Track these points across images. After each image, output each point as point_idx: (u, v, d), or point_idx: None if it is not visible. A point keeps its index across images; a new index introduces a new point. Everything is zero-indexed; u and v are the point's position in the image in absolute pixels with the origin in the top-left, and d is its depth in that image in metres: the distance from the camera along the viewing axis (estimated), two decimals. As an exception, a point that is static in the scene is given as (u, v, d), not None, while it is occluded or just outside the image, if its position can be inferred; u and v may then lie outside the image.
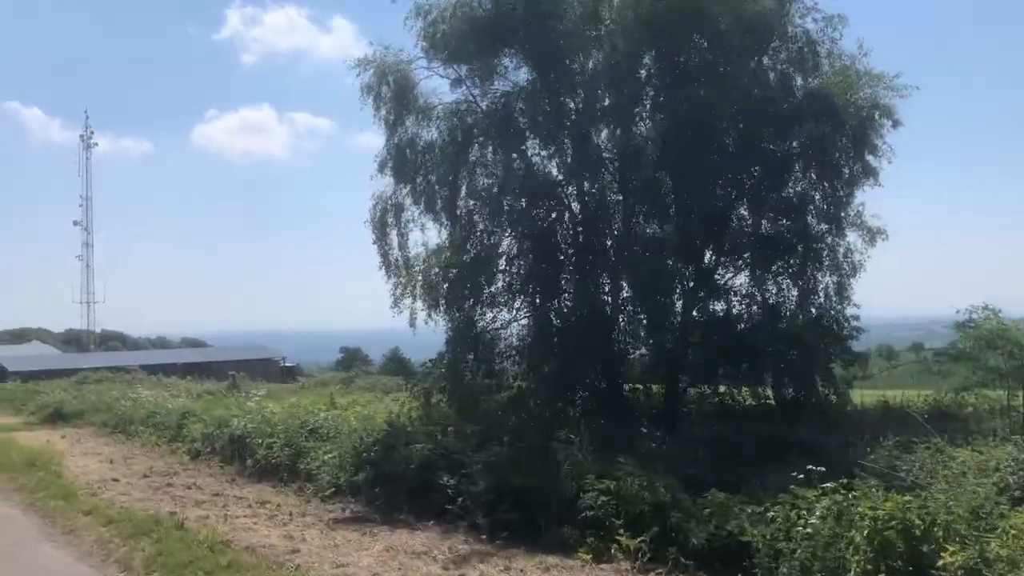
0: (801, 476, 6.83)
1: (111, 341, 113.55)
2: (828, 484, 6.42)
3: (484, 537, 8.20)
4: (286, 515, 9.78)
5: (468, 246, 13.31)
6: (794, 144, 12.02)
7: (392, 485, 9.93)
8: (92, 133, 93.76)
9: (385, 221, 13.50)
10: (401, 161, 13.29)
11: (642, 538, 6.93)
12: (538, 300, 12.61)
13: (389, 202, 13.58)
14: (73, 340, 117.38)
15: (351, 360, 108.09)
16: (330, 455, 11.30)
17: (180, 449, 15.32)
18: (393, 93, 13.21)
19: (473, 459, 9.46)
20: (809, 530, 6.06)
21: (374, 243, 13.69)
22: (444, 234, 13.53)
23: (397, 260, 13.65)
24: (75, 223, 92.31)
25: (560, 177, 13.26)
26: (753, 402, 12.66)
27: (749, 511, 6.83)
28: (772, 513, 6.62)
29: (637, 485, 7.49)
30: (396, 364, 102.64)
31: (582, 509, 7.56)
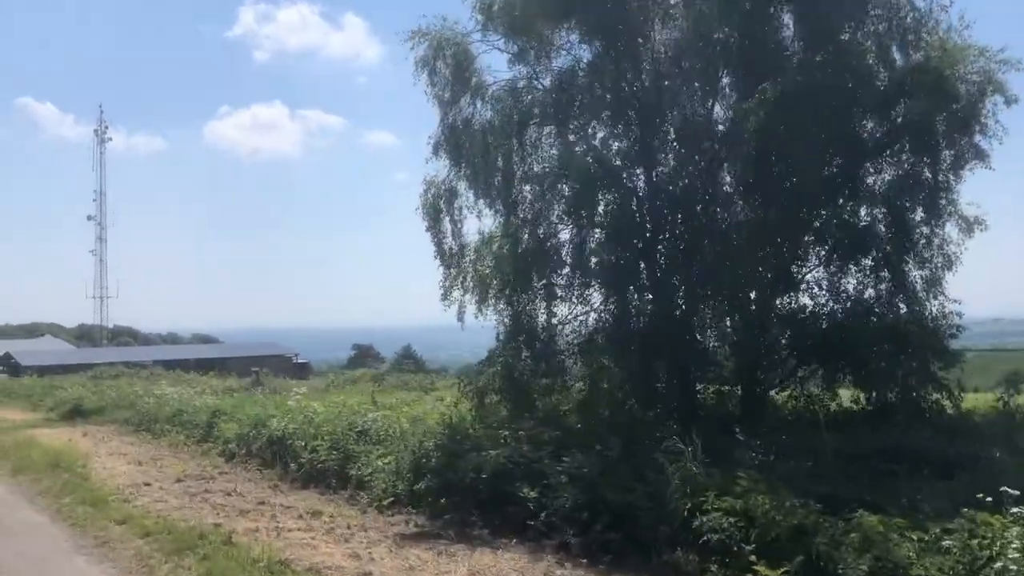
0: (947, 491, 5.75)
1: (122, 336, 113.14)
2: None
3: (583, 560, 7.14)
4: (344, 528, 8.74)
5: (526, 234, 12.28)
6: (892, 124, 10.93)
7: (460, 496, 8.89)
8: (106, 128, 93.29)
9: (438, 207, 12.47)
10: (455, 143, 12.27)
11: (785, 569, 5.86)
12: (611, 293, 11.55)
13: (442, 187, 12.54)
14: (85, 335, 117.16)
15: (363, 357, 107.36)
16: (385, 460, 10.27)
17: (212, 451, 14.32)
18: (450, 69, 12.19)
19: (554, 468, 8.41)
20: (1013, 566, 4.99)
21: (427, 230, 12.67)
22: (499, 221, 12.49)
23: (451, 249, 12.61)
24: (89, 218, 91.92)
25: (626, 161, 12.21)
26: (847, 406, 11.56)
27: (915, 539, 5.76)
28: (947, 542, 5.56)
29: (768, 504, 6.42)
30: (408, 361, 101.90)
31: (703, 531, 6.49)
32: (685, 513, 6.85)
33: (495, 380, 12.42)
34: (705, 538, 6.47)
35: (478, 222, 12.66)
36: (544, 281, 12.08)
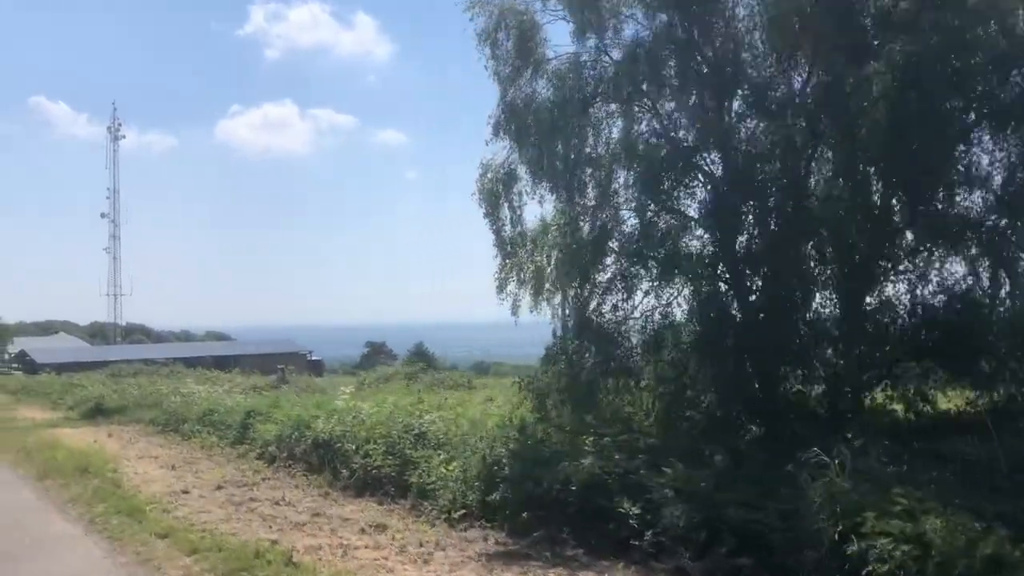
0: None
1: (135, 334, 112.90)
2: None
3: (712, 590, 6.13)
4: (417, 545, 7.74)
5: (590, 221, 11.25)
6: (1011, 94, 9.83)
7: (544, 510, 7.88)
8: (119, 125, 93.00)
9: (496, 192, 11.44)
10: (516, 122, 11.22)
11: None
12: (691, 284, 10.49)
13: (500, 170, 11.51)
14: (98, 333, 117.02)
15: (375, 354, 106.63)
16: (450, 468, 9.27)
17: (249, 454, 13.37)
18: (512, 41, 11.15)
19: (655, 480, 7.38)
20: None
21: (485, 217, 11.62)
22: (561, 207, 11.44)
23: (510, 237, 11.58)
24: (103, 215, 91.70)
25: (700, 140, 11.12)
26: (947, 407, 10.47)
27: None
28: None
29: (946, 529, 5.38)
30: (420, 358, 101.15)
31: (868, 560, 5.45)
32: (836, 536, 5.81)
33: (558, 380, 11.39)
34: (869, 569, 5.44)
35: (539, 208, 11.65)
36: (611, 272, 11.06)
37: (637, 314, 11.13)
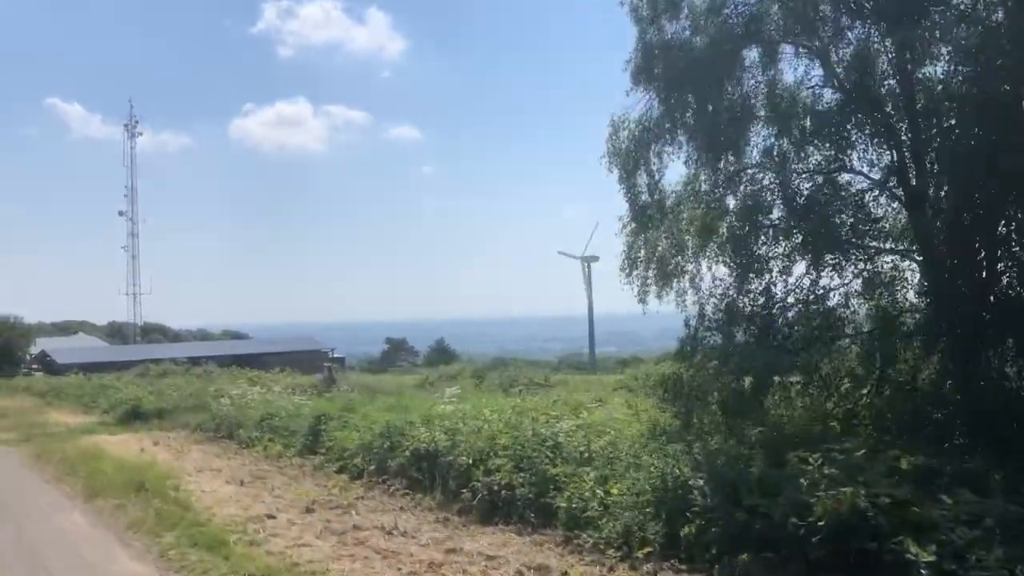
0: None
1: (153, 333, 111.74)
2: None
3: None
4: (611, 601, 5.84)
5: (746, 184, 9.29)
6: None
7: (775, 551, 5.95)
8: (136, 123, 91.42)
9: (632, 152, 9.50)
10: (655, 70, 9.30)
11: None
12: (901, 260, 8.54)
13: (637, 128, 9.58)
14: (117, 332, 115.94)
15: (396, 351, 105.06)
16: (612, 490, 7.35)
17: (327, 466, 11.50)
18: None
19: (945, 515, 5.44)
20: None
21: (619, 183, 9.69)
22: (708, 169, 9.48)
23: (647, 206, 9.62)
24: (120, 213, 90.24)
25: (884, 85, 9.15)
26: None
27: None
28: None
29: None
30: (441, 355, 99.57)
31: None
32: None
33: (702, 378, 9.46)
34: None
35: (684, 170, 9.67)
36: (780, 246, 9.08)
37: (811, 295, 9.11)
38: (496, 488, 8.34)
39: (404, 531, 8.04)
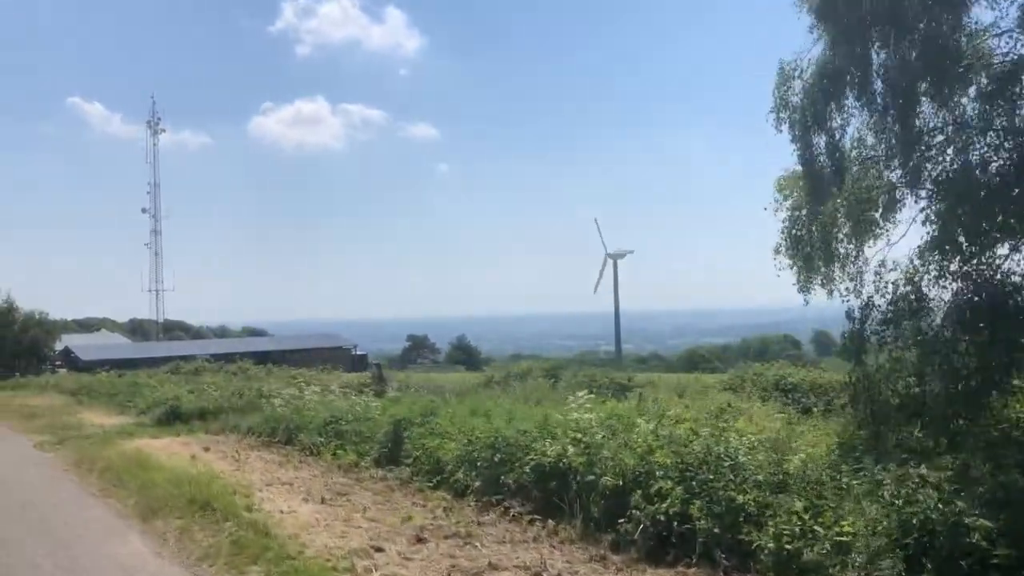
0: None
1: (174, 331, 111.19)
2: None
3: None
4: None
5: (949, 150, 7.53)
6: None
7: None
8: (159, 120, 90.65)
9: (807, 106, 7.76)
10: (837, 5, 7.55)
11: None
12: None
13: (813, 76, 7.82)
14: (138, 329, 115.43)
15: (417, 348, 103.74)
16: (843, 527, 5.62)
17: (417, 481, 9.82)
18: None
19: None
20: None
21: (792, 141, 7.96)
22: (901, 128, 7.72)
23: (824, 170, 7.85)
24: (143, 210, 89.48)
25: None
26: None
27: None
28: None
29: None
30: (463, 352, 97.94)
31: None
32: None
33: (893, 381, 7.71)
34: None
35: (867, 129, 7.90)
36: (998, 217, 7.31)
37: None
38: (664, 518, 6.62)
39: (558, 573, 6.34)
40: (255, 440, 14.46)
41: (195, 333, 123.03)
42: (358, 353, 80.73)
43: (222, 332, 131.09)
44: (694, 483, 6.75)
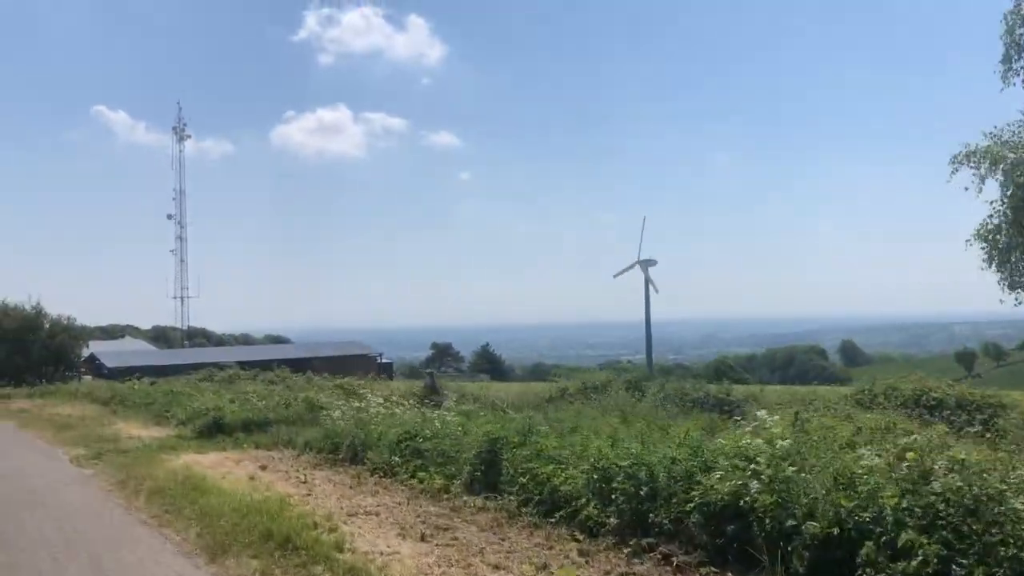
0: None
1: (197, 337, 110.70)
2: None
3: None
4: None
5: None
6: None
7: None
8: (184, 126, 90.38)
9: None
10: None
11: None
12: None
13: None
14: (161, 336, 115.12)
15: (441, 356, 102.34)
16: None
17: (527, 514, 8.21)
18: None
19: None
20: None
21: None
22: None
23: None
24: (169, 216, 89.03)
25: None
26: None
27: None
28: None
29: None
30: (486, 360, 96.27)
31: None
32: None
33: None
34: None
35: None
36: None
37: None
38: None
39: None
40: (314, 457, 12.94)
41: (217, 340, 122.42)
42: (384, 361, 79.35)
43: (244, 339, 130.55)
44: (947, 534, 5.11)
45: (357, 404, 14.38)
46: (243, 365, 64.27)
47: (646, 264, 69.16)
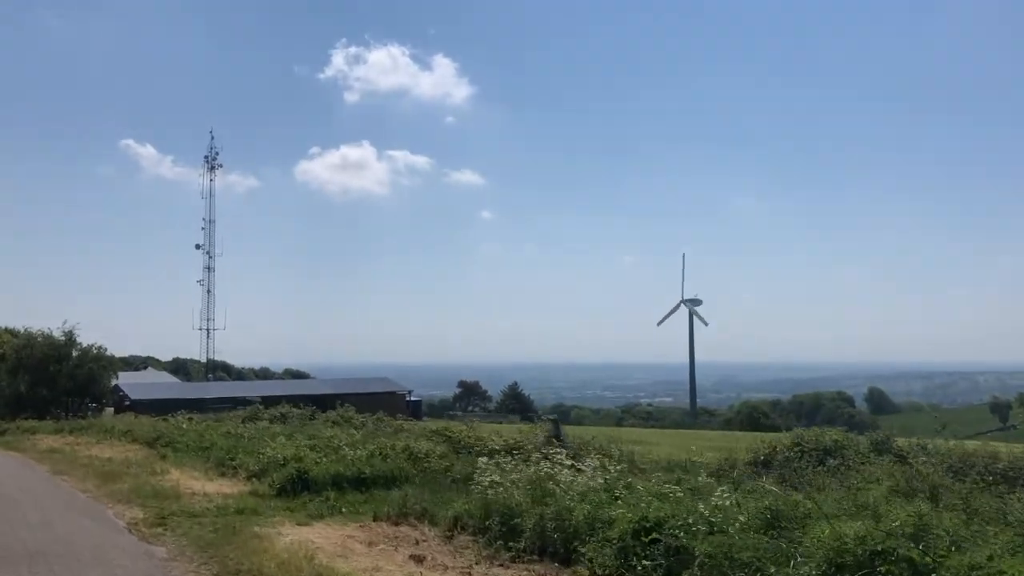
0: None
1: (217, 371, 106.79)
2: None
3: None
4: None
5: None
6: None
7: None
8: (216, 154, 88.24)
9: None
10: None
11: None
12: None
13: None
14: (180, 369, 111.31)
15: (469, 394, 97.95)
16: None
17: None
18: None
19: None
20: None
21: None
22: None
23: None
24: (197, 246, 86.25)
25: None
26: None
27: None
28: None
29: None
30: (514, 400, 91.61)
31: None
32: None
33: None
34: None
35: None
36: None
37: None
38: None
39: None
40: (474, 540, 9.08)
41: (237, 374, 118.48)
42: (412, 399, 75.07)
43: (264, 373, 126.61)
44: None
45: (510, 461, 10.54)
46: (268, 400, 60.20)
47: (691, 303, 65.28)
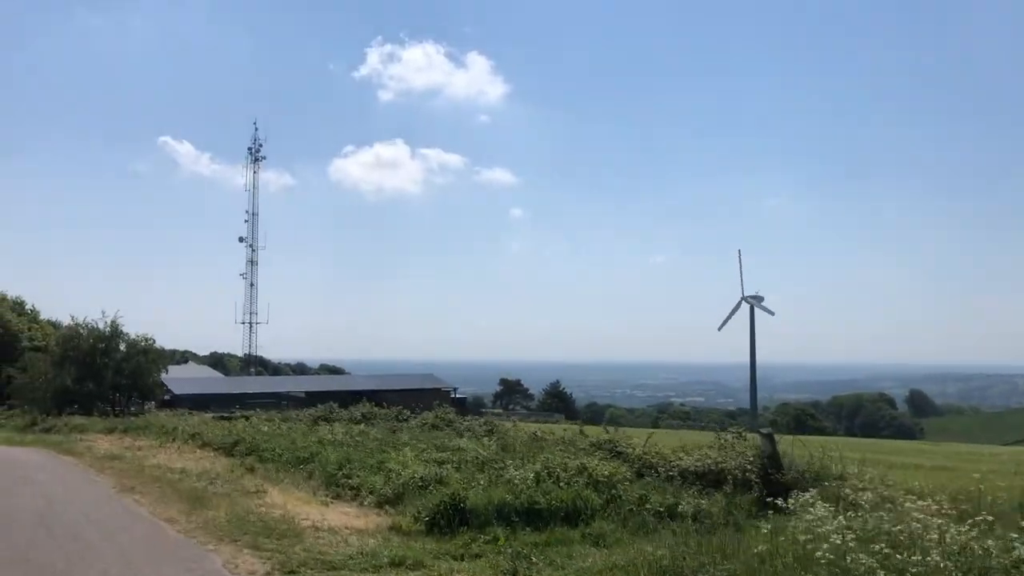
0: None
1: (254, 366, 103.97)
2: None
3: None
4: None
5: None
6: None
7: None
8: (260, 146, 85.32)
9: None
10: None
11: None
12: None
13: None
14: (218, 363, 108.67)
15: (510, 392, 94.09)
16: None
17: None
18: None
19: None
20: None
21: None
22: None
23: None
24: (240, 239, 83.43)
25: None
26: None
27: None
28: None
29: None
30: (556, 399, 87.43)
31: None
32: None
33: None
34: None
35: None
36: None
37: None
38: None
39: None
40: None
41: (273, 368, 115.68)
42: (457, 396, 71.46)
43: (300, 368, 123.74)
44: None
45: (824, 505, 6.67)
46: (311, 396, 56.76)
47: (753, 300, 60.89)
